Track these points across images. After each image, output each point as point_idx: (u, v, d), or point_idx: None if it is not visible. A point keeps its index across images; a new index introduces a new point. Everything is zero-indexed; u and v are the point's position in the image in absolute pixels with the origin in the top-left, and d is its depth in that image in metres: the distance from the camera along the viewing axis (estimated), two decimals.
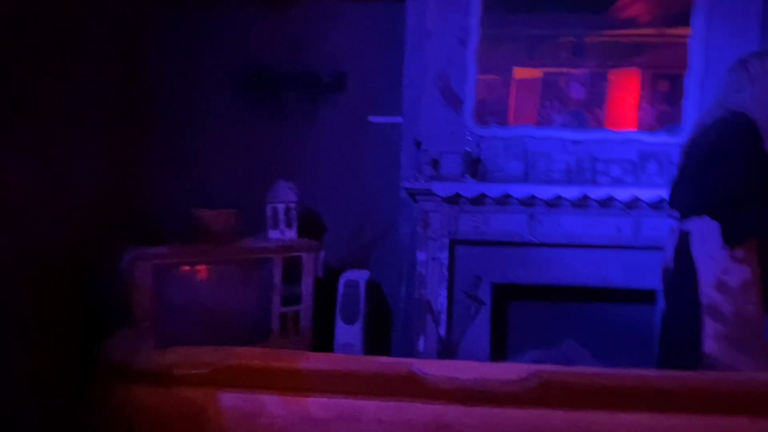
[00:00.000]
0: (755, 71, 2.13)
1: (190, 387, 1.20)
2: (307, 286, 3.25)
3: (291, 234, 3.26)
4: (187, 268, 3.08)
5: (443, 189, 3.22)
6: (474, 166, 3.29)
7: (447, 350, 3.31)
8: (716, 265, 2.05)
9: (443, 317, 3.31)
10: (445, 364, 1.23)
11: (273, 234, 3.27)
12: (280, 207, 3.26)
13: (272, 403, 1.16)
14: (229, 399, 1.18)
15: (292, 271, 3.23)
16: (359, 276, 3.34)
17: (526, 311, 3.56)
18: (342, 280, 3.33)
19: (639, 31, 3.49)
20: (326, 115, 3.57)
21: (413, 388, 1.14)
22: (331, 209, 3.55)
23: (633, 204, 3.16)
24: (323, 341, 3.30)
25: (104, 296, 2.64)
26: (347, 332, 3.22)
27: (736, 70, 2.20)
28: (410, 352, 3.32)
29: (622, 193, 3.14)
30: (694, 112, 3.30)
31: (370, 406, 1.14)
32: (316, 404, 1.15)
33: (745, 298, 2.03)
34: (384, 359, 1.25)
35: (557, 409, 1.11)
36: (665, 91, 3.48)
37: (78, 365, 1.74)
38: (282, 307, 3.20)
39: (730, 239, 2.04)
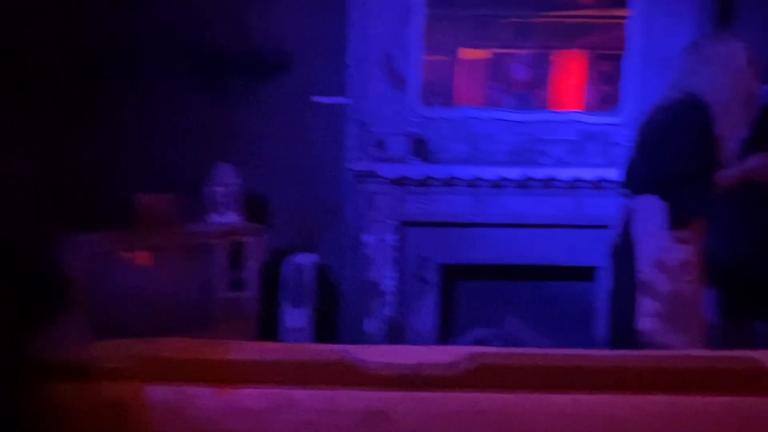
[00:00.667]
0: (709, 53, 2.14)
1: (115, 381, 1.15)
2: (251, 270, 3.19)
3: (233, 218, 3.19)
4: (125, 254, 2.98)
5: (389, 171, 3.20)
6: (420, 148, 3.28)
7: (394, 331, 3.31)
8: (657, 243, 2.08)
9: (390, 299, 3.30)
10: (381, 350, 1.21)
11: (215, 218, 3.19)
12: (222, 190, 3.18)
13: (202, 395, 1.12)
14: (156, 393, 1.13)
15: (236, 256, 3.17)
16: (306, 259, 3.30)
17: (472, 291, 3.59)
18: (288, 264, 3.28)
19: (582, 12, 3.52)
20: (269, 95, 3.48)
21: (349, 375, 1.12)
22: (276, 192, 3.48)
23: (574, 184, 3.20)
24: (270, 326, 3.25)
25: (37, 286, 2.53)
26: (294, 316, 3.19)
27: (690, 53, 2.20)
28: (358, 334, 3.31)
29: (564, 174, 3.18)
30: (632, 93, 3.36)
31: (305, 395, 1.11)
32: (248, 395, 1.12)
33: (683, 278, 2.06)
34: (318, 347, 1.23)
35: (494, 391, 1.11)
36: (608, 72, 3.52)
37: (4, 360, 1.66)
38: (226, 293, 3.14)
39: (676, 220, 2.06)
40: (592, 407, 1.08)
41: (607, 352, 1.23)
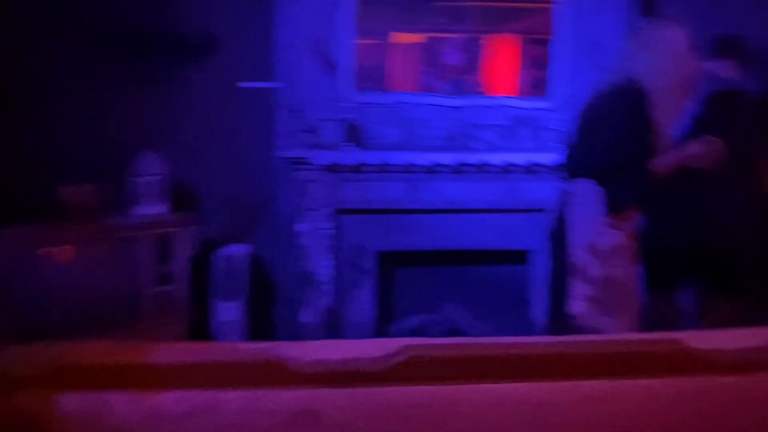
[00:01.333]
0: (650, 38, 2.13)
1: (24, 391, 1.06)
2: (180, 263, 3.08)
3: (160, 209, 3.06)
4: (45, 250, 2.82)
5: (322, 157, 3.14)
6: (353, 134, 3.23)
7: (332, 322, 3.27)
8: (590, 227, 2.08)
9: (327, 288, 3.26)
10: (311, 346, 1.17)
11: (140, 210, 3.05)
12: (147, 180, 3.05)
13: (119, 402, 1.05)
14: (70, 401, 1.05)
15: (164, 249, 3.04)
16: (238, 250, 3.20)
17: (409, 277, 3.59)
18: (220, 255, 3.18)
19: None
20: (195, 80, 3.34)
21: (276, 374, 1.07)
22: (206, 181, 3.36)
23: (507, 169, 3.23)
24: (202, 321, 3.15)
25: None
26: (227, 310, 3.10)
27: (633, 37, 2.20)
28: (294, 325, 3.25)
29: (497, 159, 3.20)
30: (561, 77, 3.40)
31: (230, 397, 1.06)
32: (169, 400, 1.05)
33: (615, 262, 2.07)
34: (245, 346, 1.17)
35: (427, 384, 1.08)
36: (539, 57, 3.55)
37: None
38: (154, 288, 3.01)
39: (612, 206, 2.06)
40: (524, 395, 1.07)
41: (536, 339, 1.22)
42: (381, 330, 3.41)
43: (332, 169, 3.17)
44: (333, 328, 3.28)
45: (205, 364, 1.08)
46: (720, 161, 2.14)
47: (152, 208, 3.06)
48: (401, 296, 3.57)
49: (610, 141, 2.07)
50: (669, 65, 2.08)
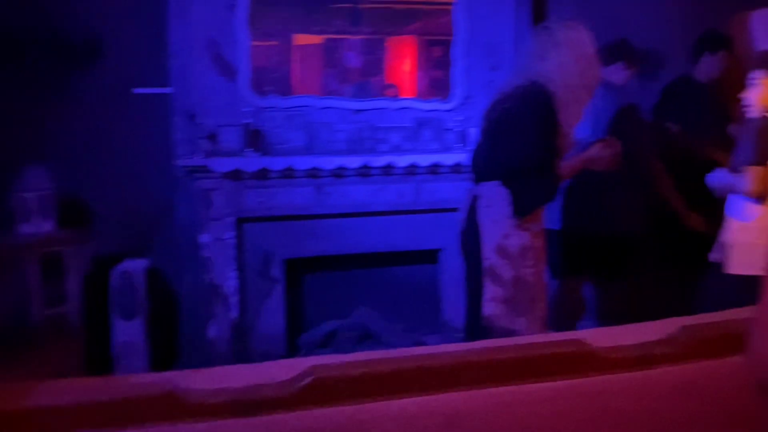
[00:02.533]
0: (561, 38, 2.10)
1: None
2: (73, 283, 2.88)
3: (48, 226, 2.85)
4: None
5: (222, 164, 3.02)
6: (254, 139, 3.13)
7: (240, 334, 3.17)
8: (498, 229, 2.08)
9: (234, 300, 3.15)
10: (211, 373, 1.10)
11: (25, 228, 2.83)
12: (32, 196, 2.83)
13: None
14: None
15: (54, 268, 2.83)
16: (136, 265, 3.03)
17: (320, 283, 3.53)
18: (116, 272, 3.00)
19: None
20: (82, 86, 3.13)
21: (174, 408, 0.99)
22: (99, 194, 3.16)
23: (411, 170, 3.24)
24: (100, 342, 2.97)
25: None
26: (126, 330, 2.92)
27: (541, 36, 2.16)
28: (201, 341, 3.12)
29: (401, 160, 3.20)
30: (461, 78, 3.45)
31: None
32: None
33: (523, 263, 2.08)
34: (139, 378, 1.08)
35: (333, 404, 1.03)
36: (439, 58, 3.58)
37: None
38: (45, 310, 2.80)
39: (520, 209, 2.07)
40: (435, 407, 1.05)
41: (445, 348, 1.20)
42: (292, 340, 3.34)
43: (234, 176, 3.06)
44: (242, 342, 3.17)
45: (98, 402, 0.99)
46: (618, 163, 2.20)
47: (39, 226, 2.84)
48: (312, 303, 3.50)
49: (519, 143, 2.07)
50: (575, 66, 2.09)
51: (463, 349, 1.16)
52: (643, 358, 1.16)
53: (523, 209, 2.07)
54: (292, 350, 3.31)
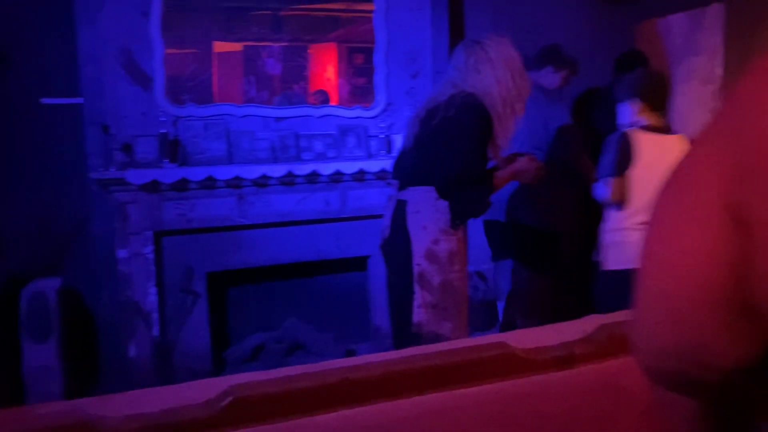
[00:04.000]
0: (494, 54, 2.15)
1: None
2: None
3: None
4: None
5: (138, 176, 2.90)
6: (172, 149, 3.03)
7: (163, 353, 3.05)
8: (427, 235, 2.09)
9: (155, 317, 3.03)
10: (127, 398, 1.04)
11: None
12: None
13: None
14: None
15: None
16: (48, 285, 2.86)
17: (245, 296, 3.45)
18: (26, 292, 2.83)
19: (330, 6, 3.53)
20: None
21: None
22: (7, 210, 2.98)
23: (337, 177, 3.21)
24: (11, 368, 2.78)
25: None
26: (39, 353, 2.75)
27: (473, 50, 2.19)
28: (122, 362, 2.98)
29: (326, 168, 3.17)
30: (383, 86, 3.46)
31: None
32: None
33: (451, 268, 2.10)
34: (47, 408, 1.01)
35: (255, 424, 1.00)
36: (361, 65, 3.58)
37: None
38: None
39: (458, 217, 2.09)
40: (362, 421, 1.03)
41: (370, 358, 1.19)
42: (219, 355, 3.24)
43: (151, 188, 2.95)
44: (165, 360, 3.05)
45: None
46: (542, 176, 2.27)
47: None
48: (238, 317, 3.41)
49: (462, 153, 2.09)
50: (512, 82, 2.14)
51: (388, 359, 1.15)
52: (564, 358, 1.18)
53: (462, 218, 2.11)
54: (219, 366, 3.22)
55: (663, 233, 0.51)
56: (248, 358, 3.20)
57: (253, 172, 3.06)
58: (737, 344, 0.48)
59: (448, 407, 1.10)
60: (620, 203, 2.57)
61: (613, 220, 2.62)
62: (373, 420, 1.05)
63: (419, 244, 2.09)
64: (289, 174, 3.12)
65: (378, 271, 3.32)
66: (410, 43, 3.48)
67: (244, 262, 3.23)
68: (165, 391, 1.04)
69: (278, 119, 3.29)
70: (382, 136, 3.39)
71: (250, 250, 3.21)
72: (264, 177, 3.09)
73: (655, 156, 2.49)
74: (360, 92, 3.53)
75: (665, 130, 2.61)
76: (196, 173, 2.99)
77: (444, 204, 2.09)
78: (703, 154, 0.50)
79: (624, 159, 2.53)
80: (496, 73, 2.13)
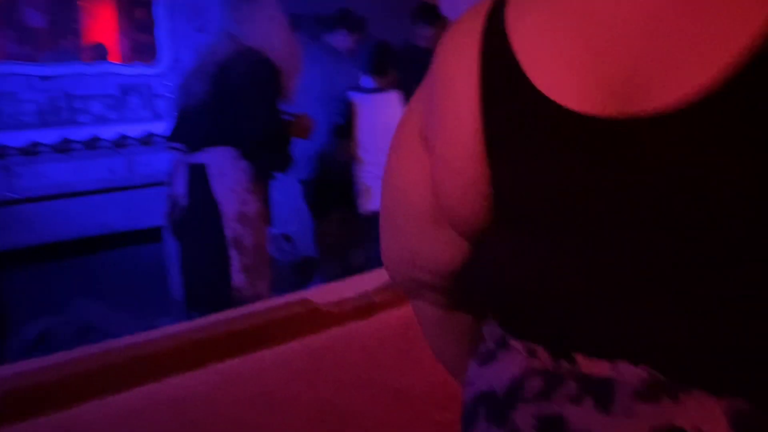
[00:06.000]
0: (270, 9, 2.11)
1: None
2: None
3: None
4: None
5: None
6: None
7: None
8: (236, 197, 2.05)
9: None
10: None
11: None
12: None
13: None
14: None
15: None
16: None
17: (23, 279, 3.09)
18: None
19: None
20: None
21: None
22: None
23: (121, 142, 2.97)
24: None
25: None
26: None
27: (249, 3, 2.13)
28: None
29: (108, 131, 2.91)
30: (167, 41, 3.24)
31: None
32: None
33: (259, 227, 2.11)
34: None
35: (36, 416, 0.88)
36: (142, 20, 3.33)
37: None
38: None
39: (264, 175, 2.08)
40: (153, 398, 0.96)
41: (159, 332, 1.12)
42: None
43: None
44: None
45: None
46: (310, 134, 2.33)
47: None
48: (15, 302, 3.05)
49: (262, 111, 2.06)
50: (291, 37, 2.14)
51: (185, 329, 1.08)
52: (364, 307, 1.21)
53: (267, 175, 2.11)
54: None
55: (388, 165, 0.62)
56: (33, 347, 2.89)
57: (19, 139, 2.71)
58: (445, 248, 0.59)
59: (253, 371, 1.07)
60: None
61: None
62: (166, 396, 0.98)
63: (230, 207, 2.05)
64: (65, 140, 2.81)
65: (179, 242, 3.16)
66: None
67: (17, 241, 2.88)
68: None
69: (44, 78, 2.93)
70: (170, 95, 3.18)
71: (22, 227, 2.86)
72: (34, 144, 2.76)
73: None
74: (142, 48, 3.28)
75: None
76: None
77: (246, 163, 2.05)
78: (412, 102, 0.62)
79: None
80: (277, 28, 2.13)
